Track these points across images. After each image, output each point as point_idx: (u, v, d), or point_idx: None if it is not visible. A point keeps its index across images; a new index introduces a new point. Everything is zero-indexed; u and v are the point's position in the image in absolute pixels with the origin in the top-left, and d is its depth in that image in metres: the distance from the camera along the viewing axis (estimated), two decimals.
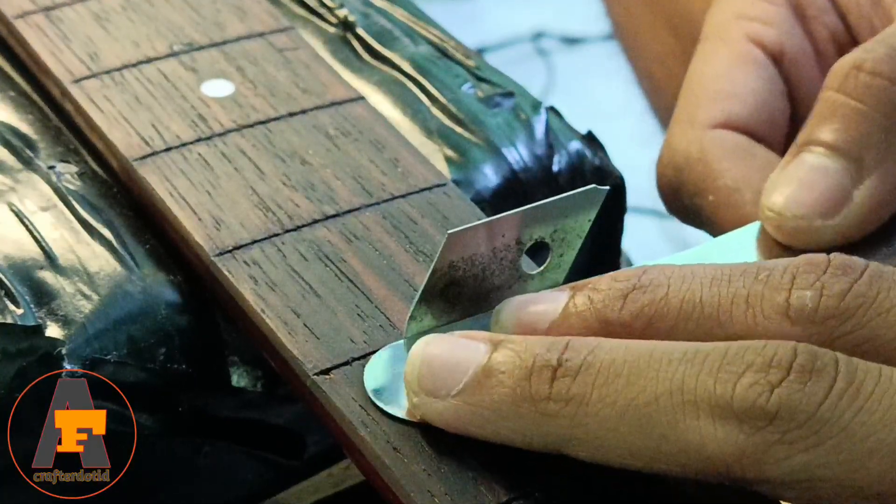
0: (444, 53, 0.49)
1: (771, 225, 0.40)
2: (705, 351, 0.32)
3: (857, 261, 0.33)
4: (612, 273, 0.35)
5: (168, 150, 0.43)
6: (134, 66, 0.46)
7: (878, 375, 0.31)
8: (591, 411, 0.32)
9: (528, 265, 0.38)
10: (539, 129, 0.47)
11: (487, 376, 0.33)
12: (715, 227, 0.43)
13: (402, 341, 0.37)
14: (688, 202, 0.44)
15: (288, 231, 0.40)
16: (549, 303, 0.35)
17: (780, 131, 0.46)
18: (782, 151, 0.44)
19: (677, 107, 0.46)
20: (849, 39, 0.47)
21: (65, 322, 0.39)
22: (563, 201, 0.37)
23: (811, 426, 0.31)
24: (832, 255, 0.34)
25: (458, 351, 0.34)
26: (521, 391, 0.33)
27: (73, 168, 0.44)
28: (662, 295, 0.34)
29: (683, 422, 0.31)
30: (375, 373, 0.36)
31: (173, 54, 0.46)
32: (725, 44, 0.46)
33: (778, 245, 0.40)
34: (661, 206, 0.47)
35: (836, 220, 0.39)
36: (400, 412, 0.35)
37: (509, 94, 0.48)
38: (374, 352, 0.37)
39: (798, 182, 0.40)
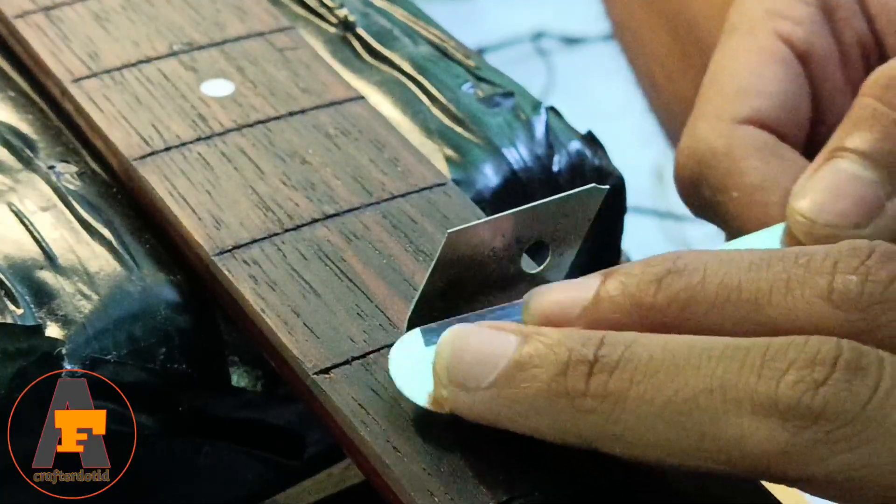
0: (444, 53, 0.49)
1: (801, 230, 0.39)
2: (746, 346, 0.31)
3: None
4: (644, 258, 0.34)
5: (168, 149, 0.43)
6: (134, 65, 0.46)
7: None
8: (628, 408, 0.32)
9: (528, 264, 0.38)
10: (539, 129, 0.47)
11: (520, 369, 0.33)
12: (736, 224, 0.42)
13: (425, 327, 0.36)
14: (708, 197, 0.43)
15: (288, 230, 0.40)
16: (580, 290, 0.34)
17: (803, 133, 0.45)
18: (804, 153, 0.43)
19: (701, 98, 0.45)
20: (874, 45, 0.47)
21: (65, 322, 0.39)
22: (562, 201, 0.37)
23: (857, 426, 0.30)
24: (875, 241, 0.33)
25: (488, 342, 0.34)
26: (556, 386, 0.32)
27: (73, 168, 0.44)
28: (699, 279, 0.33)
29: (725, 419, 0.31)
30: (400, 361, 0.35)
31: (173, 54, 0.46)
32: (754, 38, 0.45)
33: None
34: (661, 206, 0.47)
35: (868, 230, 0.39)
36: (424, 402, 0.34)
37: (509, 94, 0.48)
38: (374, 351, 0.37)
39: (830, 189, 0.39)
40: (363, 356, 0.36)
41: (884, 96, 0.39)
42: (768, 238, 0.40)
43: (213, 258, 0.39)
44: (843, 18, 0.47)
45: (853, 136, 0.39)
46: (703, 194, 0.43)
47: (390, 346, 0.37)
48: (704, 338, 0.32)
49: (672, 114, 0.66)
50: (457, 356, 0.34)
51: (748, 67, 0.45)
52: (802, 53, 0.46)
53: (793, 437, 0.30)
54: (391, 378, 0.35)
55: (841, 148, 0.40)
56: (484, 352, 0.33)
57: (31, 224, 0.41)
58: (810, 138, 0.45)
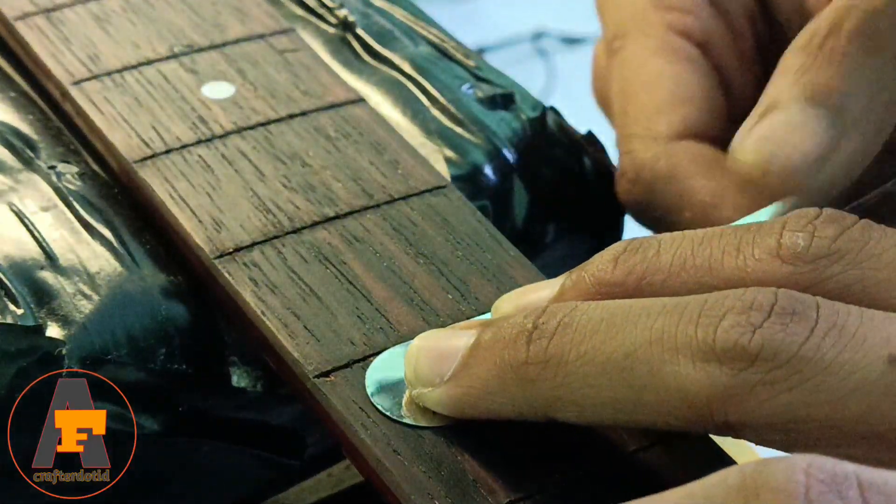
0: (444, 53, 0.49)
1: (752, 181, 0.40)
2: (685, 302, 0.32)
3: (849, 214, 0.34)
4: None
5: (168, 151, 0.43)
6: (134, 67, 0.46)
7: (859, 316, 0.31)
8: (570, 370, 0.32)
9: None
10: (539, 130, 0.47)
11: (472, 355, 0.34)
12: None
13: (401, 345, 0.37)
14: (660, 217, 0.43)
15: (288, 233, 0.40)
16: (547, 288, 0.36)
17: (725, 125, 0.45)
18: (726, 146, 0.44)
19: (623, 114, 0.45)
20: (758, 10, 0.47)
21: (65, 322, 0.39)
22: None
23: (793, 365, 0.31)
24: (823, 208, 0.34)
25: (450, 340, 0.35)
26: (500, 361, 0.33)
27: (74, 168, 0.44)
28: (654, 253, 0.34)
29: (664, 369, 0.31)
30: (375, 376, 0.36)
31: (174, 56, 0.46)
32: (651, 38, 0.45)
33: None
34: None
35: (822, 177, 0.39)
36: (400, 416, 0.35)
37: (509, 95, 0.48)
38: (374, 354, 0.37)
39: (776, 139, 0.39)
40: (364, 359, 0.37)
41: (815, 52, 0.40)
42: None
43: (213, 261, 0.39)
44: None
45: (789, 89, 0.40)
46: (653, 215, 0.44)
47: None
48: (644, 299, 0.33)
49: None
50: (421, 356, 0.35)
51: (661, 73, 0.45)
52: (701, 44, 0.45)
53: (731, 379, 0.31)
54: (367, 393, 0.36)
55: (776, 102, 0.40)
56: (446, 348, 0.35)
57: (32, 224, 0.41)
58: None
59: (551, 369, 0.33)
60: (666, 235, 0.35)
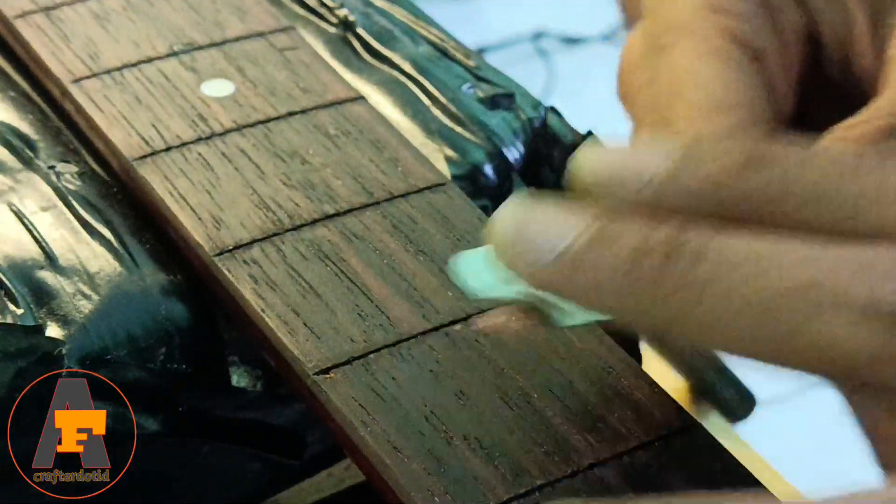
0: (444, 53, 0.49)
1: None
2: (841, 250, 0.30)
3: None
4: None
5: (168, 149, 0.43)
6: (134, 65, 0.46)
7: None
8: (705, 299, 0.30)
9: None
10: (539, 130, 0.47)
11: (599, 241, 0.31)
12: None
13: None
14: None
15: (288, 231, 0.40)
16: (650, 156, 0.32)
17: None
18: None
19: (669, 110, 0.42)
20: (808, 33, 0.46)
21: (65, 322, 0.39)
22: None
23: None
24: None
25: (562, 214, 0.32)
26: (629, 269, 0.31)
27: (73, 168, 0.44)
28: (795, 171, 0.32)
29: (818, 318, 0.30)
30: (472, 268, 0.34)
31: (173, 54, 0.46)
32: (706, 40, 0.43)
33: None
34: None
35: None
36: (499, 293, 0.33)
37: (509, 95, 0.48)
38: (374, 351, 0.37)
39: None
40: (363, 356, 0.37)
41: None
42: None
43: (213, 258, 0.39)
44: (780, 8, 0.44)
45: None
46: None
47: (390, 346, 0.37)
48: (794, 239, 0.31)
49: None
50: (531, 221, 0.32)
51: (713, 76, 0.43)
52: (755, 55, 0.44)
53: (893, 342, 0.29)
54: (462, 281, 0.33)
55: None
56: (557, 220, 0.32)
57: (32, 224, 0.41)
58: None
59: (686, 295, 0.30)
60: (805, 154, 0.32)
